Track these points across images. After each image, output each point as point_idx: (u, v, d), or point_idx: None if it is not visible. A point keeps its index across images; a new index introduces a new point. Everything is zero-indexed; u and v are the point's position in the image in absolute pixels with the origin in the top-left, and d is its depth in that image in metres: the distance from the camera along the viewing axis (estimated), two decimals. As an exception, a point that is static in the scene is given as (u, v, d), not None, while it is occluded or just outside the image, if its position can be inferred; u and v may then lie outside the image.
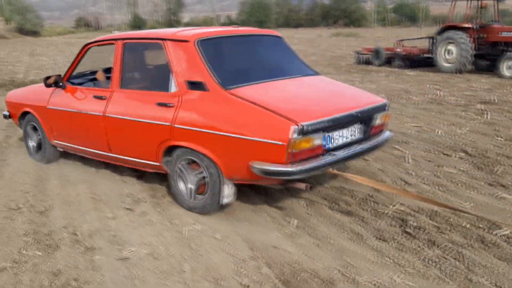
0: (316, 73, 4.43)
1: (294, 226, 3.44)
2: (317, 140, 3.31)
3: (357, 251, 3.03)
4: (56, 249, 3.15)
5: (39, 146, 5.15)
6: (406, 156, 4.90)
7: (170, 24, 64.07)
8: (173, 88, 3.79)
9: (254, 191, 4.04)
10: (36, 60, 19.51)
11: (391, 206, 3.67)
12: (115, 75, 4.23)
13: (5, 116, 5.61)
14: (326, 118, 3.35)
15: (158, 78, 4.14)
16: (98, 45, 4.58)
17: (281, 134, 3.14)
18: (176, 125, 3.65)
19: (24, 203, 3.97)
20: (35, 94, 5.13)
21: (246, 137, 3.28)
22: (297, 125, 3.13)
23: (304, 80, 4.21)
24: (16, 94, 5.56)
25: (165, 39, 3.91)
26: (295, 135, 3.12)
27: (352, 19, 58.90)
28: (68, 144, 4.80)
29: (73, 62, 4.73)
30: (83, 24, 78.41)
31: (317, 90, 4.10)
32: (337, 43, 27.03)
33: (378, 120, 3.90)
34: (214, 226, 3.44)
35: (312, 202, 3.84)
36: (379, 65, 14.43)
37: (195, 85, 3.66)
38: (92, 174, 4.70)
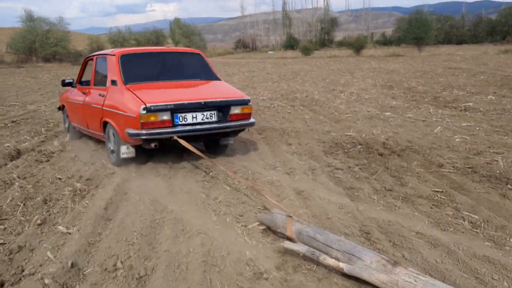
0: (217, 79, 6.31)
1: None
2: (164, 116, 5.03)
3: None
4: None
5: (69, 128, 7.50)
6: None
7: (322, 43, 63.88)
8: (107, 84, 5.79)
9: None
10: (192, 79, 20.15)
11: None
12: (92, 78, 6.46)
13: (58, 108, 8.27)
14: (169, 103, 5.05)
15: (104, 79, 5.97)
16: (89, 60, 6.84)
17: (135, 110, 4.96)
18: (103, 108, 5.67)
19: (124, 260, 3.18)
20: (67, 93, 7.49)
21: (124, 113, 5.15)
22: (145, 105, 4.92)
23: (196, 82, 6.13)
24: (62, 93, 7.91)
25: (107, 54, 6.10)
26: (142, 111, 4.90)
27: (522, 34, 52.13)
28: (76, 125, 7.06)
29: (80, 70, 7.13)
30: (241, 45, 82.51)
31: (194, 87, 6.00)
32: (508, 62, 23.43)
33: (236, 110, 5.51)
34: None
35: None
36: None
37: (113, 82, 5.65)
38: (213, 222, 3.80)
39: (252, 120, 5.80)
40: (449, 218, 3.83)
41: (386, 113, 9.07)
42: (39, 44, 38.13)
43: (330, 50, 55.82)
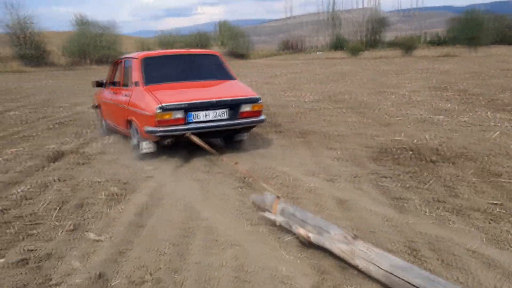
0: (232, 78, 6.66)
1: None
2: (177, 114, 5.50)
3: None
4: None
5: (103, 125, 8.07)
6: None
7: (372, 44, 62.67)
8: (132, 85, 6.27)
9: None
10: (237, 81, 20.03)
11: None
12: (120, 79, 6.97)
13: (93, 107, 8.73)
14: (183, 102, 5.55)
15: (129, 80, 6.44)
16: (118, 62, 7.30)
17: (152, 109, 5.46)
18: (128, 107, 6.13)
19: (153, 272, 3.03)
20: (100, 92, 8.04)
21: (143, 112, 5.66)
22: (160, 105, 5.42)
23: (211, 82, 6.49)
24: (97, 93, 8.38)
25: (132, 58, 6.59)
26: (158, 110, 5.40)
27: None
28: (108, 122, 7.60)
29: (111, 72, 7.57)
30: (287, 46, 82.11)
31: (208, 87, 6.39)
32: None
33: (247, 108, 5.86)
34: None
35: None
36: None
37: (136, 83, 6.13)
38: (247, 233, 3.59)
39: (262, 117, 6.12)
40: (509, 235, 3.43)
41: (439, 117, 8.57)
42: (91, 47, 39.21)
43: (380, 50, 54.53)
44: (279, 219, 3.55)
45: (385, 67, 24.78)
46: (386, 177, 4.93)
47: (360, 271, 2.87)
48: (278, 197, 3.82)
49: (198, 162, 5.72)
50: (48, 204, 4.37)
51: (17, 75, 27.84)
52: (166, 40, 53.00)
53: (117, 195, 4.60)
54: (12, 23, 35.61)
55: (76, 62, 38.90)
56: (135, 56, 6.53)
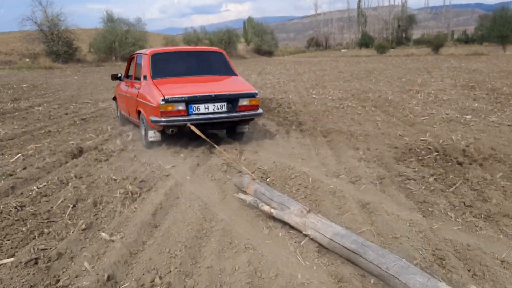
0: (234, 74, 7.08)
1: None
2: (179, 106, 5.92)
3: None
4: None
5: (119, 115, 8.78)
6: None
7: (399, 41, 61.68)
8: (141, 79, 6.74)
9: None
10: (262, 78, 19.92)
11: None
12: (133, 73, 7.43)
13: (112, 98, 9.41)
14: (184, 95, 5.95)
15: (140, 74, 6.89)
16: (133, 57, 7.77)
17: (157, 101, 5.89)
18: (137, 99, 6.65)
19: (164, 275, 2.92)
20: (117, 85, 8.57)
21: (149, 103, 6.11)
22: (163, 97, 5.85)
23: (214, 77, 6.96)
24: (116, 85, 8.78)
25: (143, 53, 7.09)
26: (162, 102, 5.83)
27: None
28: (123, 112, 8.22)
29: (126, 66, 8.16)
30: (313, 43, 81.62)
31: (210, 82, 6.81)
32: None
33: (245, 102, 6.23)
34: None
35: None
36: None
37: (145, 77, 6.62)
38: (263, 236, 3.46)
39: (260, 111, 6.43)
40: (542, 245, 3.22)
41: (467, 116, 8.27)
42: (118, 44, 39.68)
43: (407, 48, 53.67)
44: (248, 198, 4.00)
45: (412, 65, 24.29)
46: (411, 179, 4.73)
47: (311, 239, 3.30)
48: (253, 179, 4.45)
49: (216, 161, 5.60)
50: (63, 201, 4.30)
51: (46, 71, 28.33)
52: (192, 37, 53.33)
53: (132, 193, 4.50)
54: (42, 20, 36.29)
55: (102, 59, 39.42)
56: (145, 52, 7.05)
